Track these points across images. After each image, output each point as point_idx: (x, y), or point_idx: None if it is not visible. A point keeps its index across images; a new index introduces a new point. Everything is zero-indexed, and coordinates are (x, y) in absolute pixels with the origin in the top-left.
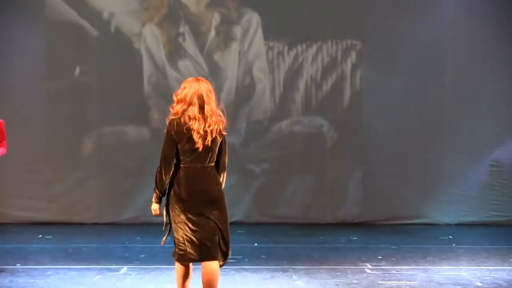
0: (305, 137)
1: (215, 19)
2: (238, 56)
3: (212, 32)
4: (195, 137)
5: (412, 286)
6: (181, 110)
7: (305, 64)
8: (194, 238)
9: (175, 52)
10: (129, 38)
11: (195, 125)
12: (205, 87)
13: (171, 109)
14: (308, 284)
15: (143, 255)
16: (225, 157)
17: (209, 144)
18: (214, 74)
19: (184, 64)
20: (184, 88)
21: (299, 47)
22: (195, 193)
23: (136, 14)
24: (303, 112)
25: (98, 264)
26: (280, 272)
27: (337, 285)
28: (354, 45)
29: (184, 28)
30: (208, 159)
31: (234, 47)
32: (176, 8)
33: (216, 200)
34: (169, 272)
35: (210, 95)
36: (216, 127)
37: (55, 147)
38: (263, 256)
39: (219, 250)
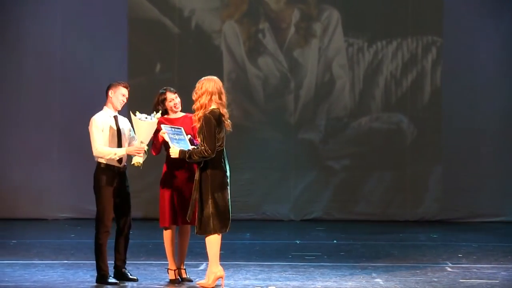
0: (385, 134)
1: (295, 15)
2: (318, 52)
3: (292, 29)
4: (227, 123)
5: (493, 284)
6: (207, 101)
7: (385, 60)
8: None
9: (255, 48)
10: (209, 35)
11: (223, 112)
12: (219, 80)
13: (196, 106)
14: (387, 281)
15: (222, 251)
16: None
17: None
18: (293, 70)
19: (264, 61)
20: (203, 83)
21: (379, 44)
22: (229, 171)
23: (217, 11)
24: (382, 108)
25: None
26: (360, 269)
27: (417, 283)
28: (435, 41)
29: (264, 25)
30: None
31: (314, 43)
32: (256, 5)
33: None
34: (248, 268)
35: (223, 88)
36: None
37: None
38: (342, 253)
39: None
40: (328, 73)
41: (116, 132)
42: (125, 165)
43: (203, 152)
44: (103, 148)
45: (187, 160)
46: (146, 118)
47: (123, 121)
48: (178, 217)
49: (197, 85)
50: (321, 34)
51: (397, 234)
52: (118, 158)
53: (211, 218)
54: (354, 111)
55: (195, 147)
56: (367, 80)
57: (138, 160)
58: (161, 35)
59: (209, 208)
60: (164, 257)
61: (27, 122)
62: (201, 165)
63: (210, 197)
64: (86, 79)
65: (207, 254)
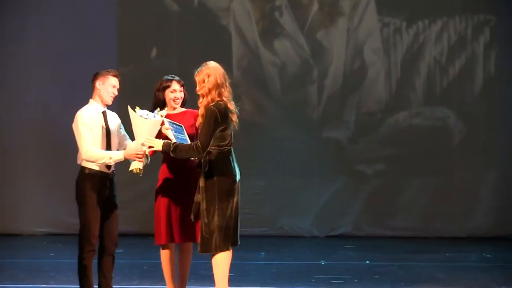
0: (427, 132)
1: None
2: (346, 34)
3: (315, 5)
4: (234, 118)
5: None
6: (216, 96)
7: (427, 43)
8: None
9: (270, 29)
10: (215, 13)
11: (231, 107)
12: (220, 66)
13: (206, 102)
14: None
15: (232, 274)
16: None
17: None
18: (317, 56)
19: (280, 44)
20: (209, 75)
21: (420, 23)
22: (239, 175)
23: None
24: (424, 101)
25: None
26: None
27: None
28: (488, 20)
29: (281, 1)
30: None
31: (342, 23)
32: None
33: None
34: None
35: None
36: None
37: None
38: (376, 276)
39: None
40: (359, 59)
41: (106, 132)
42: (113, 170)
43: (193, 147)
44: (95, 151)
45: (171, 154)
46: (147, 115)
47: (112, 118)
48: (177, 233)
49: (202, 76)
50: (350, 12)
51: (442, 253)
52: (113, 163)
53: (215, 233)
54: (390, 104)
55: None
56: (406, 67)
57: (137, 166)
58: (157, 13)
59: (215, 221)
60: (162, 280)
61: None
62: (206, 169)
63: (216, 207)
64: (68, 69)
65: (213, 277)
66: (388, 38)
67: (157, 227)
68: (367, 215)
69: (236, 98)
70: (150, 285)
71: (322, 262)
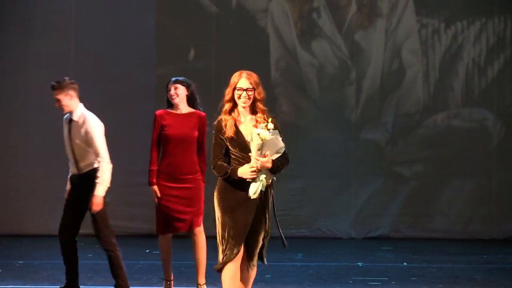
0: (466, 134)
1: None
2: (384, 35)
3: (353, 7)
4: None
5: None
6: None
7: (465, 45)
8: None
9: (308, 31)
10: (253, 14)
11: None
12: None
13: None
14: None
15: (269, 275)
16: None
17: None
18: (355, 57)
19: (318, 46)
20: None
21: (458, 25)
22: None
23: None
24: (463, 103)
25: None
26: None
27: None
28: None
29: (319, 2)
30: None
31: (380, 24)
32: None
33: None
34: None
35: None
36: None
37: None
38: (414, 278)
39: None
40: (397, 61)
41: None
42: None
43: (287, 160)
44: None
45: (276, 171)
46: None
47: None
48: (174, 223)
49: (257, 79)
50: (388, 13)
51: (480, 255)
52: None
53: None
54: (428, 106)
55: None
56: (444, 68)
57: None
58: (195, 14)
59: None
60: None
61: (33, 121)
62: (274, 178)
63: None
64: (106, 69)
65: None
66: (426, 40)
67: (158, 219)
68: (405, 216)
69: (274, 100)
70: (185, 286)
71: (360, 264)
